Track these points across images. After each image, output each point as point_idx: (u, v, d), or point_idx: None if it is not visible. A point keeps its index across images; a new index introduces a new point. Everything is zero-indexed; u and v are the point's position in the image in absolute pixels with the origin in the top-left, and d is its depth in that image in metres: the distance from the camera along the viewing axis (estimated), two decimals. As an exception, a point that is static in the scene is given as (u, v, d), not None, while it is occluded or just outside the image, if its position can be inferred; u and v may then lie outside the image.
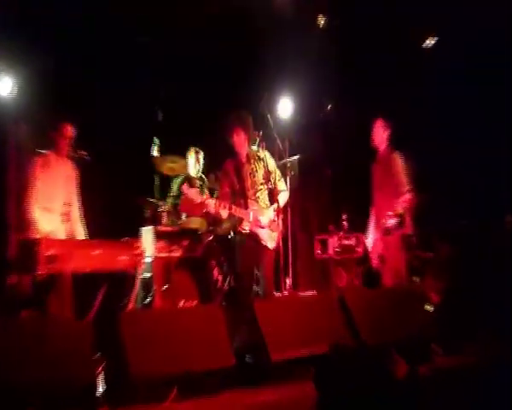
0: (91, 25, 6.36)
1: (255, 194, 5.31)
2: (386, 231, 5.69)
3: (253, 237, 5.22)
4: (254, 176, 5.33)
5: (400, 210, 5.55)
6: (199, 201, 5.11)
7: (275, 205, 5.34)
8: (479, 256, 6.15)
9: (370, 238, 6.06)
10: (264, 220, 5.25)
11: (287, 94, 7.13)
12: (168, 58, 6.84)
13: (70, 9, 6.08)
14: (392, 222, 5.58)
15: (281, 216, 5.34)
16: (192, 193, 5.17)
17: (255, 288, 5.59)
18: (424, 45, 7.57)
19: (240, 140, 5.29)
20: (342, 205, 7.34)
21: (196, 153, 6.75)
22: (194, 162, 6.74)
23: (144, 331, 3.78)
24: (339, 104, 7.79)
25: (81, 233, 5.12)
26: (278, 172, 5.45)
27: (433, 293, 5.71)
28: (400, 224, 5.61)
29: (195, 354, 3.86)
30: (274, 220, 5.30)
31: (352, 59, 7.34)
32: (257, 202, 5.30)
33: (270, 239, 5.26)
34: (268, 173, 5.33)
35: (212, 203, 5.10)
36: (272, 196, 5.41)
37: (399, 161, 5.83)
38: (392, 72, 7.25)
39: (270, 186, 5.36)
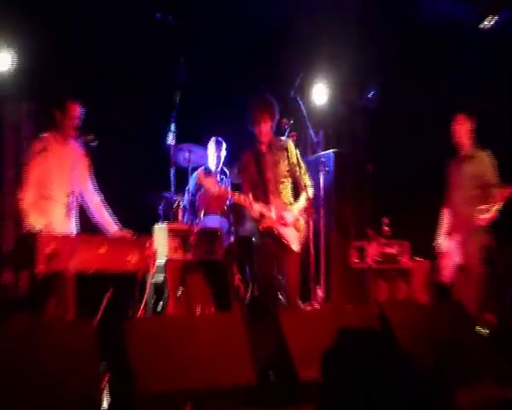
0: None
1: (278, 187, 5.42)
2: (474, 230, 5.57)
3: (276, 237, 5.32)
4: (277, 167, 5.45)
5: (498, 204, 5.44)
6: (214, 191, 5.30)
7: (300, 201, 5.44)
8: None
9: (445, 244, 6.02)
10: (289, 218, 5.35)
11: (323, 78, 7.18)
12: (189, 34, 6.92)
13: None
14: (485, 217, 5.48)
15: (306, 215, 5.43)
16: (208, 182, 5.35)
17: (280, 296, 5.65)
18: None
19: (266, 129, 5.42)
20: (385, 207, 7.25)
21: (217, 143, 6.89)
22: (213, 153, 6.89)
23: (154, 341, 3.81)
24: (385, 90, 7.83)
25: (113, 225, 5.15)
26: (303, 166, 5.52)
27: (487, 313, 5.71)
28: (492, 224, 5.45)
29: (212, 370, 3.88)
30: (298, 219, 5.40)
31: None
32: (279, 196, 5.41)
33: (294, 240, 5.35)
34: (291, 166, 5.44)
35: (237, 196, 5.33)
36: (296, 191, 5.51)
37: (489, 160, 5.86)
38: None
39: (293, 180, 5.48)
